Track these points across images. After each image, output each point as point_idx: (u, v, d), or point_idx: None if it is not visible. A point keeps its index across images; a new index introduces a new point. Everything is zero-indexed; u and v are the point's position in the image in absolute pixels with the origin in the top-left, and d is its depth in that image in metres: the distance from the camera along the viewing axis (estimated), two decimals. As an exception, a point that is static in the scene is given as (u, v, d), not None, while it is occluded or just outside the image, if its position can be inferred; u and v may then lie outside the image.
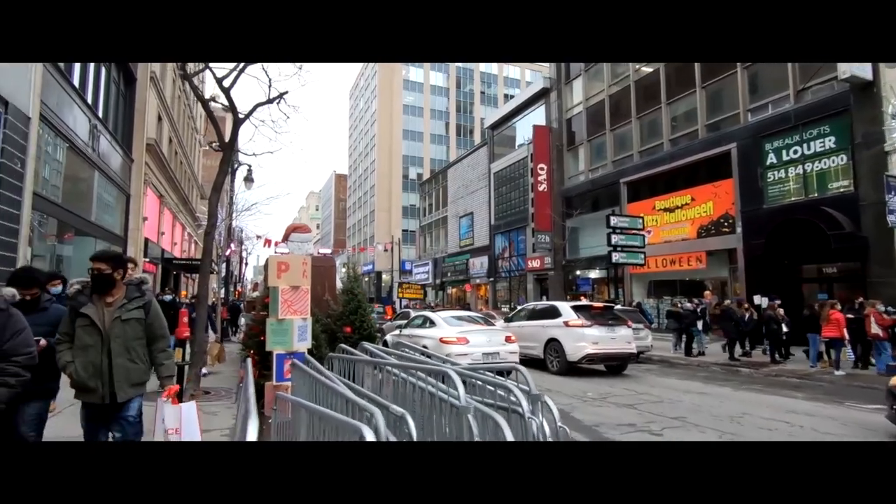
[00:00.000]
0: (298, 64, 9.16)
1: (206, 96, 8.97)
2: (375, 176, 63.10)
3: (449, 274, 36.96)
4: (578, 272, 24.05)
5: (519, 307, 12.46)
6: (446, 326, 8.79)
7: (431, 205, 42.62)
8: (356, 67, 78.55)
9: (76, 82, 11.60)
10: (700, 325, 13.26)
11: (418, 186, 51.13)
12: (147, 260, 18.12)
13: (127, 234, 16.08)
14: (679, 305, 14.16)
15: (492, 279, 30.97)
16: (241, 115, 7.58)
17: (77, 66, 11.87)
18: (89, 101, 12.58)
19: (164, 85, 20.58)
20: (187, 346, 6.58)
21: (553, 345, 10.04)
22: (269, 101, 7.31)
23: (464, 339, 8.25)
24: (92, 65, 12.99)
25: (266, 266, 10.34)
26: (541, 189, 25.04)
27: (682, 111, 18.80)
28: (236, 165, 18.92)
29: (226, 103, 7.90)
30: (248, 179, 18.60)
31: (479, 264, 32.50)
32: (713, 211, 17.15)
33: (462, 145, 60.90)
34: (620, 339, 9.87)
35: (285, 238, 10.11)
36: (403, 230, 57.09)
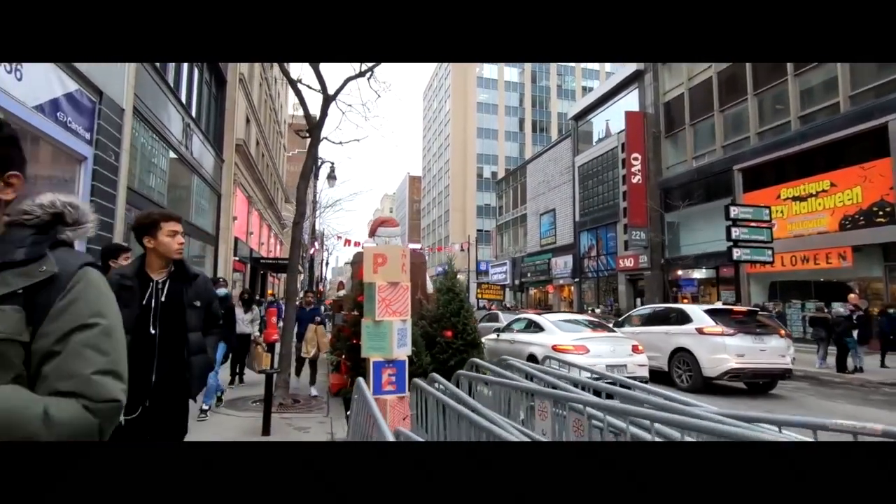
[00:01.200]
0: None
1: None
2: (449, 176, 62.72)
3: (529, 274, 35.35)
4: (680, 272, 21.60)
5: (633, 310, 10.80)
6: (559, 332, 7.50)
7: (508, 203, 41.20)
8: (429, 70, 78.89)
9: (171, 81, 11.69)
10: (855, 334, 10.91)
11: (494, 185, 49.92)
12: (237, 259, 18.48)
13: (218, 232, 16.37)
14: (826, 310, 11.79)
15: (577, 280, 29.01)
16: (329, 93, 6.83)
17: (171, 65, 11.98)
18: (183, 100, 12.73)
19: (252, 88, 21.06)
20: (276, 350, 5.89)
21: (682, 356, 8.42)
22: (360, 75, 6.48)
23: (582, 347, 6.93)
24: (186, 65, 13.18)
25: (353, 263, 9.64)
26: (634, 181, 22.86)
27: (816, 82, 16.03)
28: (320, 163, 18.86)
29: (314, 86, 7.21)
30: (331, 177, 18.43)
31: (562, 264, 30.64)
32: (862, 198, 14.32)
33: (538, 142, 58.83)
34: (772, 351, 8.03)
35: (372, 233, 9.35)
36: (478, 230, 56.07)
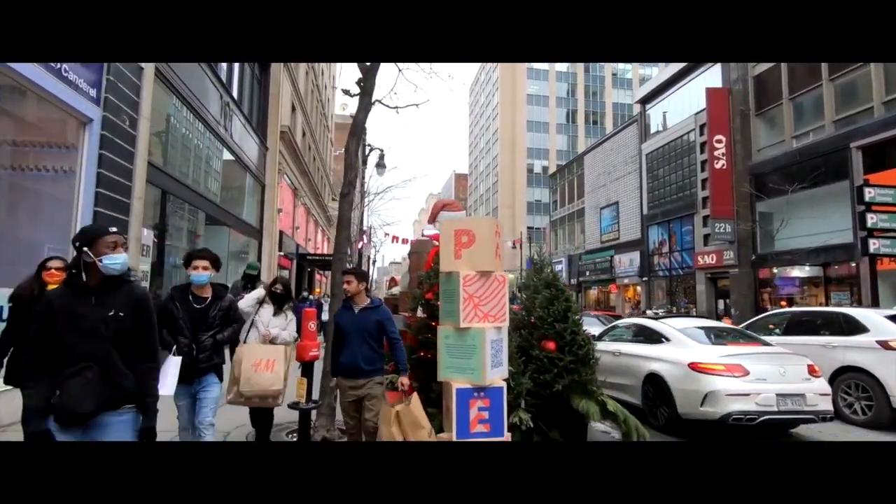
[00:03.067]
0: None
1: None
2: (497, 172, 60.65)
3: (588, 273, 32.85)
4: (776, 269, 18.70)
5: (766, 314, 8.40)
6: (694, 343, 5.50)
7: (563, 197, 38.75)
8: (475, 65, 77.07)
9: (208, 54, 10.50)
10: None
11: (548, 178, 47.52)
12: (282, 254, 17.39)
13: (262, 225, 15.27)
14: None
15: (645, 279, 26.33)
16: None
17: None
18: (223, 78, 11.57)
19: (298, 75, 20.00)
20: (316, 370, 4.26)
21: (853, 378, 6.20)
22: None
23: (738, 367, 4.91)
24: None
25: (412, 253, 7.98)
26: (718, 166, 20.15)
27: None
28: (368, 151, 17.49)
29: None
30: (381, 165, 17.00)
31: (626, 261, 28.02)
32: None
33: (591, 134, 55.76)
34: None
35: (433, 218, 7.64)
36: (528, 227, 53.67)
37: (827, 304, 16.53)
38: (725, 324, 6.95)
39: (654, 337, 6.12)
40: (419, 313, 5.22)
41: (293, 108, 19.03)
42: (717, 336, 5.75)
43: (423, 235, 8.51)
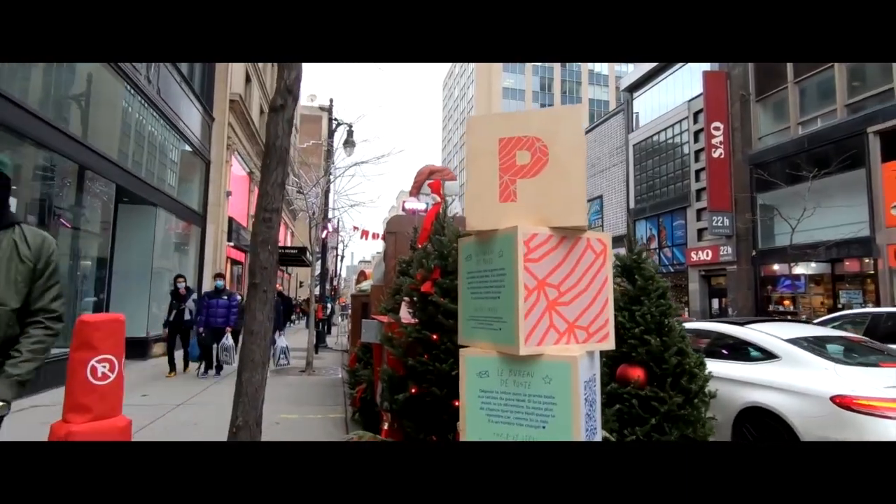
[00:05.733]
0: None
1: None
2: (472, 167, 58.93)
3: (569, 270, 31.36)
4: (776, 266, 17.45)
5: (844, 312, 6.63)
6: (827, 363, 3.62)
7: (542, 192, 37.27)
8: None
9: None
10: None
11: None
12: (232, 244, 14.95)
13: (206, 209, 12.84)
14: None
15: (631, 276, 24.93)
16: None
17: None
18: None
19: (255, 42, 17.52)
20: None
21: None
22: None
23: (924, 405, 3.06)
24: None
25: (389, 233, 5.91)
26: (716, 155, 18.81)
27: None
28: (334, 126, 15.23)
29: None
30: (349, 143, 14.74)
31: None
32: None
33: (568, 130, 54.66)
34: None
35: (417, 189, 5.58)
36: (504, 224, 52.22)
37: (835, 304, 15.33)
38: (826, 330, 5.11)
39: (745, 351, 4.22)
40: (405, 315, 3.14)
41: (248, 78, 16.55)
42: (848, 351, 3.90)
43: (403, 210, 6.43)
